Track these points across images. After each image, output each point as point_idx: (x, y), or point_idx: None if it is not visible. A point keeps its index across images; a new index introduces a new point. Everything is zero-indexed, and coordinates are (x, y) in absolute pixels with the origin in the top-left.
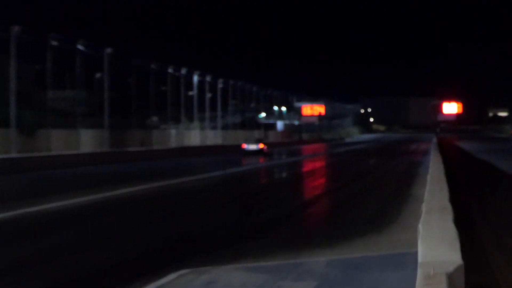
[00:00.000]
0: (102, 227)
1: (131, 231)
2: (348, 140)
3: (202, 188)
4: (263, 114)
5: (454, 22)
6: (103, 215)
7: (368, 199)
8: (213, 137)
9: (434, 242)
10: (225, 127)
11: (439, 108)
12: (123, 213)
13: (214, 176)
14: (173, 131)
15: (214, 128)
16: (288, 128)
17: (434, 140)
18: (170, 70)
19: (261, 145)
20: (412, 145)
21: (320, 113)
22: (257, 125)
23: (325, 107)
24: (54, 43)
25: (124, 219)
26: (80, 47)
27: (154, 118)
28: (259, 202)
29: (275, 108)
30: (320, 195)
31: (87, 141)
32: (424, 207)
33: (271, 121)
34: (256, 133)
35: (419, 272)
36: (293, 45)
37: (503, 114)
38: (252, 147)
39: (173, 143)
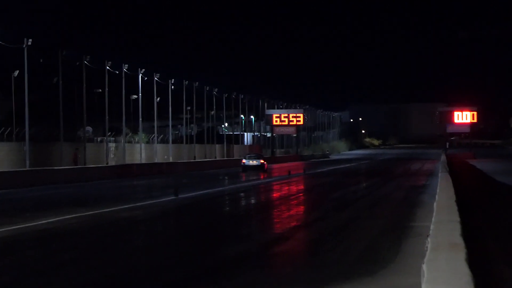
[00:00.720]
0: (5, 268)
1: (44, 275)
2: (333, 157)
3: (146, 218)
4: (226, 124)
5: (466, 5)
6: (12, 252)
7: (357, 233)
8: (163, 153)
9: None
10: (178, 140)
11: (448, 117)
12: (37, 251)
13: (163, 202)
14: (112, 145)
15: (164, 141)
16: (258, 141)
17: (443, 157)
18: (107, 67)
19: (262, 161)
20: (414, 164)
21: (298, 122)
22: (218, 137)
23: (304, 115)
24: None
25: (39, 258)
26: None
27: (88, 129)
28: (220, 236)
29: (242, 117)
30: (297, 227)
31: (1, 157)
32: (429, 242)
33: (236, 133)
34: (217, 148)
35: None
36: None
37: None
38: (253, 162)
39: (112, 160)
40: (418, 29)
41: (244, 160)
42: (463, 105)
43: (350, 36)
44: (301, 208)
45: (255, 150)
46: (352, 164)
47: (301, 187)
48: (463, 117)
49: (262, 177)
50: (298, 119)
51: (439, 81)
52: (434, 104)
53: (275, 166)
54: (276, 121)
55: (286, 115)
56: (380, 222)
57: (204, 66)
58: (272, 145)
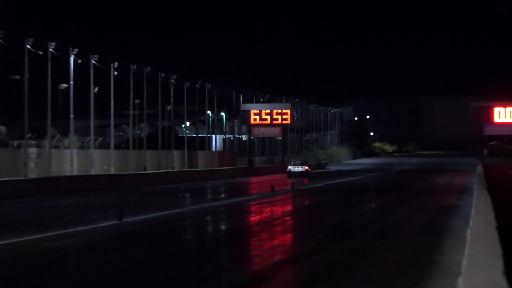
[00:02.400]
0: None
1: None
2: (332, 167)
3: (79, 249)
4: (187, 124)
5: None
6: None
7: (364, 272)
8: (103, 162)
9: None
10: (123, 145)
11: (486, 115)
12: None
13: (102, 228)
14: (33, 151)
15: (104, 146)
16: (230, 146)
17: (479, 169)
18: (28, 45)
19: (307, 167)
20: (441, 178)
21: (284, 121)
22: (178, 141)
23: (293, 111)
24: None
25: None
26: None
27: (1, 129)
28: (177, 274)
29: (209, 113)
30: (282, 262)
31: None
32: (461, 284)
33: (202, 135)
34: (176, 155)
35: None
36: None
37: None
38: (297, 169)
39: (33, 171)
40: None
41: (289, 167)
42: (505, 99)
43: (355, 12)
44: (288, 236)
45: (225, 157)
46: (357, 177)
47: (288, 208)
48: (506, 114)
49: (306, 181)
50: (284, 116)
51: (472, 68)
52: (467, 98)
53: (253, 179)
54: (255, 120)
55: (269, 111)
56: (395, 256)
57: (162, 49)
58: (250, 152)
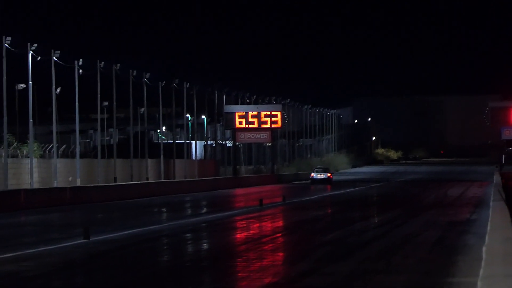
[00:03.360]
0: None
1: None
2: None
3: (41, 273)
4: (163, 129)
5: None
6: None
7: None
8: (67, 173)
9: None
10: (90, 153)
11: (504, 116)
12: None
13: (67, 248)
14: None
15: (68, 155)
16: (213, 154)
17: (496, 178)
18: None
19: (329, 174)
20: (453, 189)
21: (274, 125)
22: (152, 148)
23: (284, 114)
24: None
25: None
26: None
27: None
28: None
29: (188, 116)
30: (273, 286)
31: None
32: None
33: (180, 141)
34: (151, 165)
35: None
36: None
37: None
38: (320, 176)
39: None
40: None
41: (313, 174)
42: None
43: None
44: (279, 256)
45: (207, 167)
46: (357, 188)
47: (279, 224)
48: None
49: (328, 188)
50: (274, 119)
51: (488, 63)
52: (482, 97)
53: (239, 191)
54: (241, 123)
55: (256, 113)
56: (401, 278)
57: (133, 45)
58: (235, 160)
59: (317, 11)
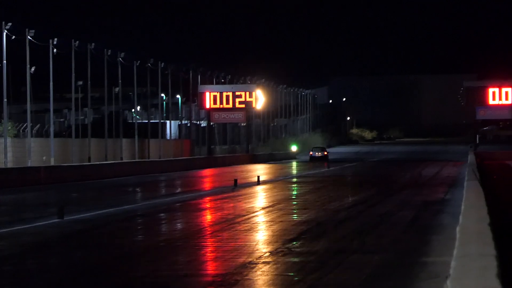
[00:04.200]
0: None
1: None
2: (303, 157)
3: (13, 253)
4: (138, 108)
5: None
6: None
7: (340, 275)
8: (41, 152)
9: None
10: (64, 133)
11: (479, 96)
12: None
13: (41, 227)
14: None
15: (42, 134)
16: (187, 133)
17: (470, 158)
18: None
19: (325, 152)
20: (428, 168)
21: (248, 105)
22: (127, 128)
23: (258, 94)
24: None
25: None
26: None
27: None
28: (127, 281)
29: (163, 96)
30: (247, 265)
31: None
32: None
33: (154, 121)
34: (125, 144)
35: None
36: None
37: None
38: (318, 154)
39: None
40: None
41: (311, 152)
42: (501, 79)
43: None
44: (253, 236)
45: (182, 146)
46: (332, 168)
47: (253, 204)
48: (502, 95)
49: (326, 165)
50: (249, 99)
51: (464, 42)
52: (458, 77)
53: (214, 171)
54: (215, 103)
55: (230, 93)
56: (376, 257)
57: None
58: (209, 140)
59: None
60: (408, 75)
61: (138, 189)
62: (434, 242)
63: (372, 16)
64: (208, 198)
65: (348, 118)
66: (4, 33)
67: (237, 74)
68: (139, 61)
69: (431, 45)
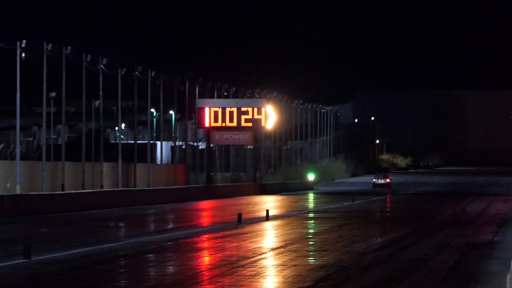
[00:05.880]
0: None
1: None
2: (322, 188)
3: None
4: (123, 126)
5: None
6: None
7: None
8: (5, 178)
9: None
10: (33, 155)
11: None
12: None
13: (3, 269)
14: None
15: (7, 156)
16: (182, 157)
17: None
18: None
19: (388, 180)
20: (472, 204)
21: (257, 123)
22: (109, 149)
23: (269, 110)
24: None
25: None
26: None
27: None
28: None
29: (153, 111)
30: None
31: None
32: None
33: (142, 142)
34: (106, 169)
35: None
36: None
37: None
38: (381, 181)
39: None
40: None
41: (374, 179)
42: None
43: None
44: (260, 283)
45: (175, 173)
46: (356, 201)
47: (261, 243)
48: None
49: (388, 197)
50: (257, 117)
51: None
52: (509, 94)
53: (214, 203)
54: (216, 121)
55: (234, 109)
56: None
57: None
58: (209, 166)
59: None
60: (450, 91)
61: (121, 224)
62: None
63: (404, 21)
64: (206, 236)
65: (377, 141)
66: None
67: (243, 86)
68: (124, 69)
69: (477, 55)
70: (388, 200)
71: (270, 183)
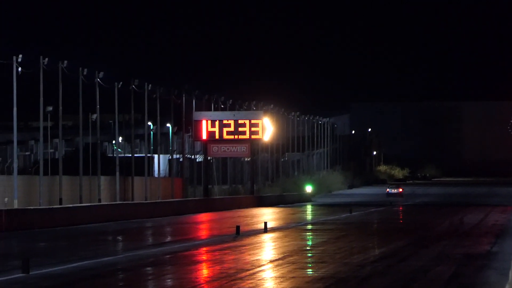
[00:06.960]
0: None
1: None
2: (319, 199)
3: None
4: (120, 140)
5: None
6: None
7: None
8: (2, 192)
9: None
10: (30, 169)
11: None
12: None
13: (0, 284)
14: None
15: (4, 171)
16: (179, 170)
17: None
18: None
19: (400, 189)
20: (470, 215)
21: (253, 136)
22: (106, 163)
23: (266, 122)
24: None
25: None
26: None
27: None
28: None
29: (150, 125)
30: None
31: None
32: None
33: (140, 155)
34: (104, 183)
35: None
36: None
37: None
38: (394, 191)
39: None
40: None
41: (388, 189)
42: None
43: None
44: None
45: (172, 186)
46: (354, 213)
47: (260, 256)
48: None
49: (386, 208)
50: (254, 129)
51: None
52: (506, 104)
53: (212, 216)
54: (213, 133)
55: (231, 122)
56: None
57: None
58: (206, 178)
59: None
60: (446, 101)
61: (119, 238)
62: None
63: (400, 31)
64: (204, 248)
65: (374, 153)
66: None
67: (240, 99)
68: (121, 83)
69: (473, 66)
70: (385, 211)
71: (268, 195)
